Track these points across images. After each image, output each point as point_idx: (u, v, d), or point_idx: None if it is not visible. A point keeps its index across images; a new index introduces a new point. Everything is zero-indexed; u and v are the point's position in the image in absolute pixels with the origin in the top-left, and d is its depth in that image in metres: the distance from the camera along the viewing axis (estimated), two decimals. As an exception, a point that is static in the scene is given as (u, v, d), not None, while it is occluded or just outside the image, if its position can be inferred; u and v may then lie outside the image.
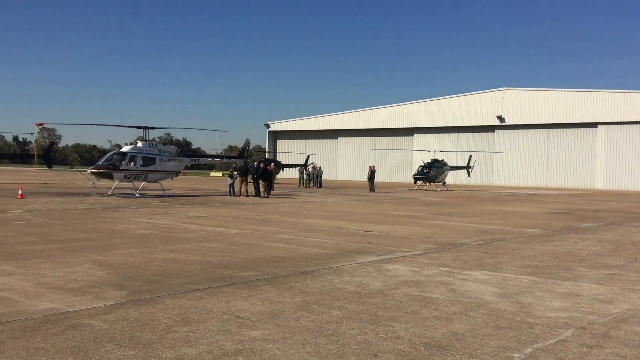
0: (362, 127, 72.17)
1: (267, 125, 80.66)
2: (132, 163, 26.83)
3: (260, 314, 6.17)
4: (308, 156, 50.85)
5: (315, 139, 76.42)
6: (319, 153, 66.16)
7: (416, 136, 68.61)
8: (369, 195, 34.95)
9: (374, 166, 42.88)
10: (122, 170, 26.44)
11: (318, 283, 7.93)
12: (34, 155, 44.14)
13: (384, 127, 70.50)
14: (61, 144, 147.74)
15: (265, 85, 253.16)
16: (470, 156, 52.55)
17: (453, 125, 65.66)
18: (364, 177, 60.70)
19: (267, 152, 71.48)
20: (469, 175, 53.26)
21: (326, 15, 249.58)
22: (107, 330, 5.44)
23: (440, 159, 46.70)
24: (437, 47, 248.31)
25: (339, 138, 75.01)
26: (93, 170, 26.57)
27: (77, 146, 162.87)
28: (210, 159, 38.43)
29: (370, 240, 12.73)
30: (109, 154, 27.50)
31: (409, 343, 5.31)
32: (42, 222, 14.89)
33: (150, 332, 5.44)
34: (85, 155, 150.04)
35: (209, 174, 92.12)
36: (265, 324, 5.82)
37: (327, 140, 75.70)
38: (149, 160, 27.57)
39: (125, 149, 27.90)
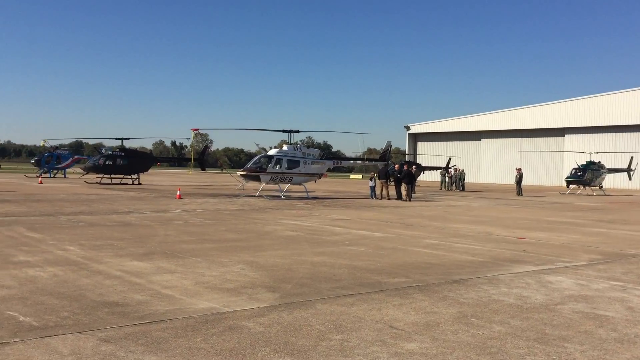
0: (506, 128, 68.91)
1: (407, 128, 79.87)
2: (278, 166, 27.71)
3: (415, 325, 5.86)
4: (450, 158, 49.50)
5: (456, 140, 74.32)
6: (461, 155, 64.15)
7: (567, 137, 64.15)
8: (516, 199, 33.15)
9: (521, 169, 40.67)
10: (268, 172, 27.40)
11: (473, 293, 7.45)
12: (190, 158, 47.41)
13: (531, 128, 66.73)
14: (212, 148, 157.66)
15: (405, 87, 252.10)
16: (632, 158, 48.08)
17: (610, 124, 60.49)
18: (508, 180, 58.14)
19: (407, 154, 70.75)
20: (630, 179, 48.77)
21: (465, 13, 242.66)
22: (262, 334, 5.44)
23: (596, 160, 43.24)
24: (587, 39, 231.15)
25: (482, 139, 72.28)
26: (242, 173, 27.79)
27: (226, 150, 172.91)
28: (351, 161, 38.76)
29: (525, 248, 11.87)
30: (257, 157, 28.58)
31: (587, 368, 4.72)
32: (198, 222, 15.75)
33: (304, 338, 5.36)
34: (234, 159, 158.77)
35: (349, 176, 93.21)
36: (421, 336, 5.50)
37: (469, 142, 73.28)
38: (293, 163, 28.32)
39: (271, 152, 28.91)
